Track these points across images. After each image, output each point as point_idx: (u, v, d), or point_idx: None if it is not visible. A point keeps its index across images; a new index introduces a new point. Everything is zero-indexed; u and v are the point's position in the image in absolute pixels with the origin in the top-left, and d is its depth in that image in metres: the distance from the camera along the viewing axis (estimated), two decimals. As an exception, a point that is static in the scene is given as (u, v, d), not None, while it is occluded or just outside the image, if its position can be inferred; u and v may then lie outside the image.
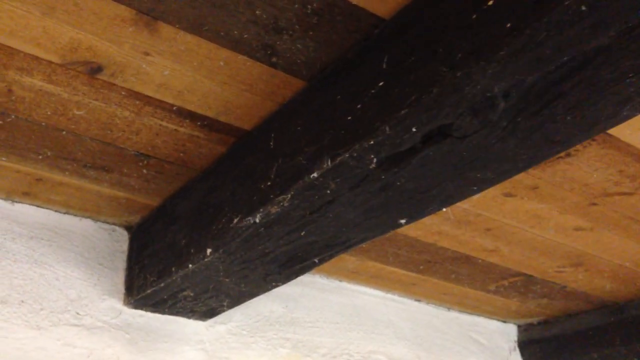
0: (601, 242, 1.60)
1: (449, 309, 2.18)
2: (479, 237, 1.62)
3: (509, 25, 0.69)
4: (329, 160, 0.93)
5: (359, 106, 0.91)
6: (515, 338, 2.31)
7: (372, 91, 0.89)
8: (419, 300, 2.11)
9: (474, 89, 0.74)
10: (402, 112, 0.81)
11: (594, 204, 1.42)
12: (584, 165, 1.27)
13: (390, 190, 0.96)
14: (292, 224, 1.09)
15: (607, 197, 1.39)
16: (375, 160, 0.89)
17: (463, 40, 0.74)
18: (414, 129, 0.82)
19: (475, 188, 0.94)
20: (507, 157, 0.86)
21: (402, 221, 1.06)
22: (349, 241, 1.14)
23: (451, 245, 1.68)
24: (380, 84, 0.87)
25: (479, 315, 2.24)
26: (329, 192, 0.97)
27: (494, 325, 2.28)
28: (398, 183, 0.94)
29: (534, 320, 2.28)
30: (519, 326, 2.33)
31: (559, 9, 0.63)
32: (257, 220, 1.09)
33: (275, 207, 1.05)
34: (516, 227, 1.56)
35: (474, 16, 0.74)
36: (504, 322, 2.31)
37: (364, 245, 1.67)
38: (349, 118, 0.92)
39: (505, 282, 1.91)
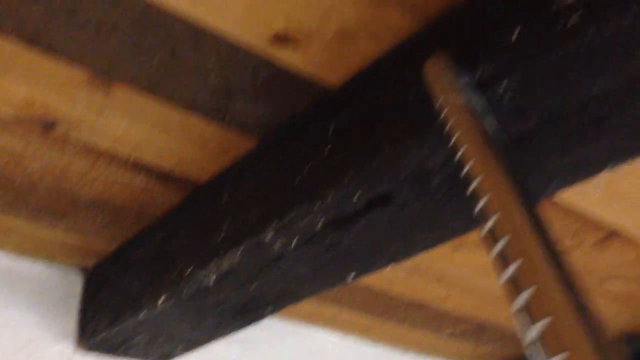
0: (548, 291, 1.65)
1: (405, 352, 2.20)
2: (430, 285, 1.66)
3: (441, 106, 0.73)
4: (277, 220, 0.95)
5: (306, 169, 0.94)
6: (471, 381, 2.34)
7: (320, 155, 0.92)
8: (375, 344, 2.13)
9: (411, 162, 0.78)
10: (346, 179, 0.85)
11: (540, 257, 1.47)
12: (528, 221, 1.32)
13: (337, 249, 0.99)
14: (242, 278, 1.11)
15: (551, 250, 1.44)
16: (321, 222, 0.92)
17: (401, 116, 0.79)
18: (357, 196, 0.86)
19: (419, 247, 0.98)
20: (447, 223, 0.90)
21: (352, 275, 1.09)
22: (299, 294, 1.17)
23: (405, 291, 1.71)
24: (327, 148, 0.91)
25: (434, 358, 2.27)
26: (276, 249, 1.00)
27: (449, 367, 2.31)
28: (344, 243, 0.97)
29: (489, 363, 2.31)
30: (474, 369, 2.36)
31: (485, 95, 0.68)
32: (210, 273, 1.11)
33: (227, 261, 1.07)
34: (466, 277, 1.60)
35: (411, 95, 0.78)
36: (460, 364, 2.34)
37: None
38: (298, 179, 0.95)
39: (459, 328, 1.94)
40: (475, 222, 0.90)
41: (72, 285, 1.57)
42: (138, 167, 1.17)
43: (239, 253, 1.05)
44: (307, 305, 1.79)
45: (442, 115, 0.65)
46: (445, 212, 0.87)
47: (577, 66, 0.60)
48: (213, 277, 1.12)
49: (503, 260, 0.44)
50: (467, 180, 0.54)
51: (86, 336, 1.48)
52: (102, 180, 1.20)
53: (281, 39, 0.83)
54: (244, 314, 1.28)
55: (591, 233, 1.32)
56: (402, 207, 0.86)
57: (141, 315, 1.28)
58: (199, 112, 1.02)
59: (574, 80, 0.62)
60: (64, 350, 1.49)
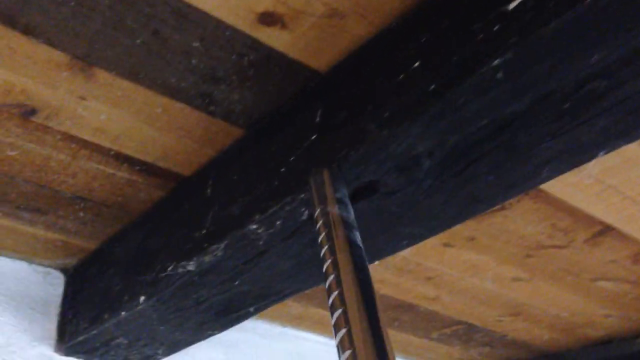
0: (538, 292, 1.63)
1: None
2: (420, 285, 1.63)
3: (432, 87, 0.71)
4: (261, 212, 0.93)
5: (292, 158, 0.91)
6: (459, 386, 2.31)
7: (305, 144, 0.90)
8: (363, 348, 2.09)
9: (399, 147, 0.75)
10: (333, 166, 0.82)
11: (530, 256, 1.45)
12: (518, 218, 1.30)
13: (323, 242, 0.96)
14: (226, 273, 1.08)
15: (541, 249, 1.42)
16: (306, 213, 0.89)
17: (390, 100, 0.76)
18: (343, 184, 0.83)
19: (405, 242, 0.95)
20: (435, 214, 0.87)
21: (337, 272, 1.06)
22: (283, 291, 1.14)
23: (393, 293, 1.68)
24: (313, 137, 0.89)
25: (423, 363, 2.24)
26: (261, 243, 0.97)
27: (438, 373, 2.28)
28: (331, 235, 0.94)
29: (478, 368, 2.28)
30: (463, 374, 2.34)
31: (476, 75, 0.66)
32: (191, 269, 1.07)
33: (209, 255, 1.04)
34: (456, 276, 1.57)
35: (402, 76, 0.76)
36: (448, 370, 2.31)
37: (308, 292, 1.66)
38: (283, 170, 0.93)
39: (448, 331, 1.92)
40: (465, 213, 0.88)
41: (52, 285, 1.53)
42: (120, 159, 1.14)
43: (222, 247, 1.02)
44: (294, 307, 1.76)
45: (317, 226, 0.73)
46: (434, 201, 0.84)
47: (573, 39, 0.58)
48: (195, 274, 1.09)
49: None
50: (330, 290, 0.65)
51: (65, 339, 1.44)
52: (84, 173, 1.17)
53: (268, 18, 0.80)
54: (227, 313, 1.25)
55: (583, 230, 1.31)
56: (389, 195, 0.83)
57: (121, 316, 1.25)
58: (183, 99, 0.99)
59: (570, 54, 0.60)
60: (43, 353, 1.44)
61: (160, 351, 1.43)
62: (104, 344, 1.39)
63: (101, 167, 1.16)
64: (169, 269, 1.12)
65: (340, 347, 0.57)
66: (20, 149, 1.10)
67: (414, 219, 0.88)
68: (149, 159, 1.14)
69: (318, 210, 0.75)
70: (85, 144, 1.10)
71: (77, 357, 1.47)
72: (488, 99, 0.67)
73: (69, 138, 1.08)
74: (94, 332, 1.32)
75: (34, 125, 1.05)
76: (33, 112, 1.02)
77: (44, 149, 1.11)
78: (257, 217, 0.93)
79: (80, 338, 1.36)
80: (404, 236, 0.93)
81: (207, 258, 1.04)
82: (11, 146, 1.10)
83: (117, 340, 1.37)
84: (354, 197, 0.85)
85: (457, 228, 1.35)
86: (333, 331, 0.60)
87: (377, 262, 1.53)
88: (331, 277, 0.65)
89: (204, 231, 1.06)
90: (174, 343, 1.39)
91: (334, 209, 0.73)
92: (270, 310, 1.34)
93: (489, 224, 1.33)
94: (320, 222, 0.73)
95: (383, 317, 0.60)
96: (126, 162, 1.15)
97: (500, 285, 1.60)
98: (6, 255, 1.47)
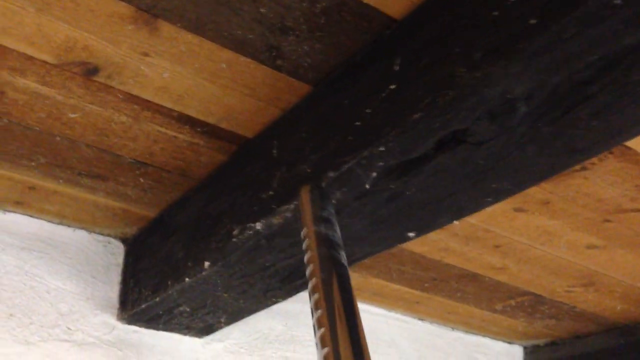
0: (614, 261, 1.55)
1: (453, 328, 2.11)
2: (487, 254, 1.56)
3: (533, 21, 0.64)
4: (335, 168, 0.88)
5: (368, 111, 0.86)
6: (521, 360, 2.25)
7: (383, 94, 0.84)
8: (422, 320, 2.04)
9: (493, 91, 0.69)
10: (415, 116, 0.76)
11: (608, 221, 1.37)
12: (599, 180, 1.22)
13: (399, 200, 0.91)
14: (294, 236, 1.04)
15: (621, 213, 1.33)
16: (384, 168, 0.84)
17: (482, 39, 0.70)
18: (427, 135, 0.77)
19: (489, 199, 0.89)
20: (525, 166, 0.81)
21: (411, 234, 1.01)
22: (354, 255, 1.09)
23: (458, 262, 1.62)
24: (392, 86, 0.83)
25: (483, 335, 2.18)
26: (334, 202, 0.92)
27: (499, 346, 2.21)
28: (408, 193, 0.89)
29: (541, 341, 2.21)
30: (525, 347, 2.26)
31: (590, 3, 0.58)
32: (259, 232, 1.03)
33: (278, 217, 0.99)
34: (526, 244, 1.50)
35: (495, 13, 0.69)
36: (510, 343, 2.24)
37: (367, 261, 1.62)
38: (357, 123, 0.87)
39: (512, 302, 1.85)
40: (558, 165, 0.81)
41: (113, 254, 1.52)
42: (183, 120, 1.10)
43: (291, 208, 0.98)
44: (352, 277, 1.71)
45: (304, 245, 0.79)
46: (527, 152, 0.78)
47: None
48: (263, 237, 1.05)
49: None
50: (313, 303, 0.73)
51: (127, 307, 1.43)
52: (145, 136, 1.14)
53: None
54: (293, 279, 1.21)
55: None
56: (477, 146, 0.77)
57: (185, 283, 1.22)
58: (249, 53, 0.94)
59: None
60: (106, 321, 1.44)
61: (222, 319, 1.40)
62: (166, 311, 1.37)
63: (163, 129, 1.13)
64: (235, 232, 1.08)
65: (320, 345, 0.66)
66: (82, 111, 1.08)
67: (502, 172, 0.82)
68: (211, 120, 1.10)
69: (304, 230, 0.80)
70: (147, 104, 1.06)
71: (139, 325, 1.46)
72: (601, 30, 0.60)
73: (131, 98, 1.05)
74: (157, 299, 1.30)
75: (96, 86, 1.02)
76: (95, 70, 0.99)
77: (106, 110, 1.08)
78: (330, 174, 0.88)
79: (143, 306, 1.35)
80: (489, 192, 0.86)
81: (275, 220, 1.00)
82: (73, 108, 1.07)
83: (180, 308, 1.35)
84: (438, 149, 0.79)
85: (531, 191, 1.28)
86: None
87: (442, 230, 1.47)
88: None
89: (271, 192, 1.02)
90: (237, 311, 1.36)
91: (320, 228, 0.79)
92: (330, 280, 1.30)
93: (566, 186, 1.25)
94: (306, 241, 0.79)
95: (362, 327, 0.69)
96: (188, 123, 1.11)
97: (574, 253, 1.52)
98: (67, 225, 1.46)
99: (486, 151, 0.78)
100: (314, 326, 0.71)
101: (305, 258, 0.79)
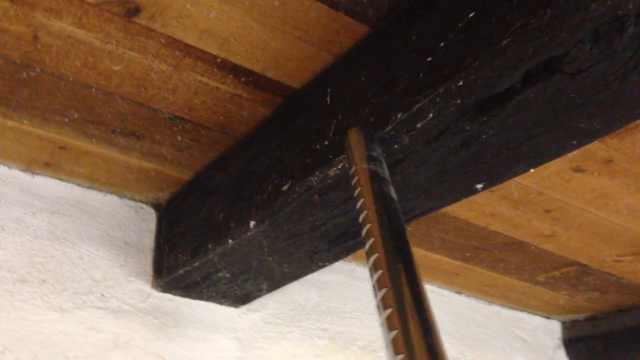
0: (672, 226, 1.47)
1: (490, 302, 2.04)
2: (536, 219, 1.49)
3: None
4: (405, 109, 0.80)
5: (442, 44, 0.78)
6: (560, 335, 2.17)
7: (460, 25, 0.76)
8: (459, 293, 1.97)
9: (602, 6, 0.61)
10: (504, 42, 0.68)
11: (672, 181, 1.29)
12: (670, 133, 1.13)
13: (473, 145, 0.83)
14: (348, 190, 0.97)
15: (688, 172, 1.25)
16: (461, 106, 0.76)
17: (589, -53, 0.62)
18: (516, 64, 0.69)
19: (574, 142, 0.81)
20: (624, 101, 0.73)
21: (479, 186, 0.93)
22: (413, 211, 1.01)
23: (504, 229, 1.54)
24: (471, 15, 0.75)
25: (521, 310, 2.10)
26: (399, 148, 0.84)
27: (537, 321, 2.14)
28: (484, 136, 0.81)
29: (580, 316, 2.14)
30: (563, 323, 2.19)
31: None
32: (312, 186, 0.96)
33: (334, 169, 0.92)
34: (579, 207, 1.42)
35: None
36: (548, 318, 2.17)
37: (408, 228, 1.54)
38: (429, 59, 0.79)
39: (557, 273, 1.77)
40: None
41: (145, 220, 1.46)
42: (226, 68, 1.03)
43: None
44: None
45: (354, 181, 0.77)
46: (628, 83, 0.70)
47: None
48: (316, 192, 0.98)
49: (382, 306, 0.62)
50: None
51: (163, 274, 1.36)
52: (186, 87, 1.07)
53: None
54: (342, 241, 1.14)
55: None
56: (573, 76, 0.69)
57: (228, 245, 1.15)
58: (307, -14, 0.86)
59: None
60: (140, 288, 1.37)
61: (264, 286, 1.34)
62: (204, 277, 1.30)
63: (204, 79, 1.05)
64: (284, 188, 1.01)
65: (376, 286, 0.64)
66: (120, 58, 1.00)
67: (595, 109, 0.74)
68: (257, 68, 1.03)
69: (353, 168, 0.78)
70: (189, 50, 0.99)
71: (175, 294, 1.40)
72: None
73: (173, 43, 0.98)
74: (196, 264, 1.24)
75: (136, 28, 0.95)
76: (137, 10, 0.92)
77: (146, 58, 1.00)
78: (399, 115, 0.81)
79: (181, 271, 1.28)
80: (575, 133, 0.78)
81: (331, 172, 0.92)
82: (110, 55, 1.00)
83: (219, 274, 1.28)
84: (526, 81, 0.71)
85: (593, 147, 1.20)
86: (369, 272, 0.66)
87: (491, 192, 1.39)
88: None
89: (326, 142, 0.94)
90: (280, 276, 1.29)
91: (370, 167, 0.77)
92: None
93: (633, 142, 1.17)
94: (356, 178, 0.77)
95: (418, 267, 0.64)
96: (232, 72, 1.04)
97: (631, 217, 1.44)
98: (98, 189, 1.40)
99: (582, 82, 0.70)
100: (373, 286, 0.66)
101: (358, 204, 0.74)
